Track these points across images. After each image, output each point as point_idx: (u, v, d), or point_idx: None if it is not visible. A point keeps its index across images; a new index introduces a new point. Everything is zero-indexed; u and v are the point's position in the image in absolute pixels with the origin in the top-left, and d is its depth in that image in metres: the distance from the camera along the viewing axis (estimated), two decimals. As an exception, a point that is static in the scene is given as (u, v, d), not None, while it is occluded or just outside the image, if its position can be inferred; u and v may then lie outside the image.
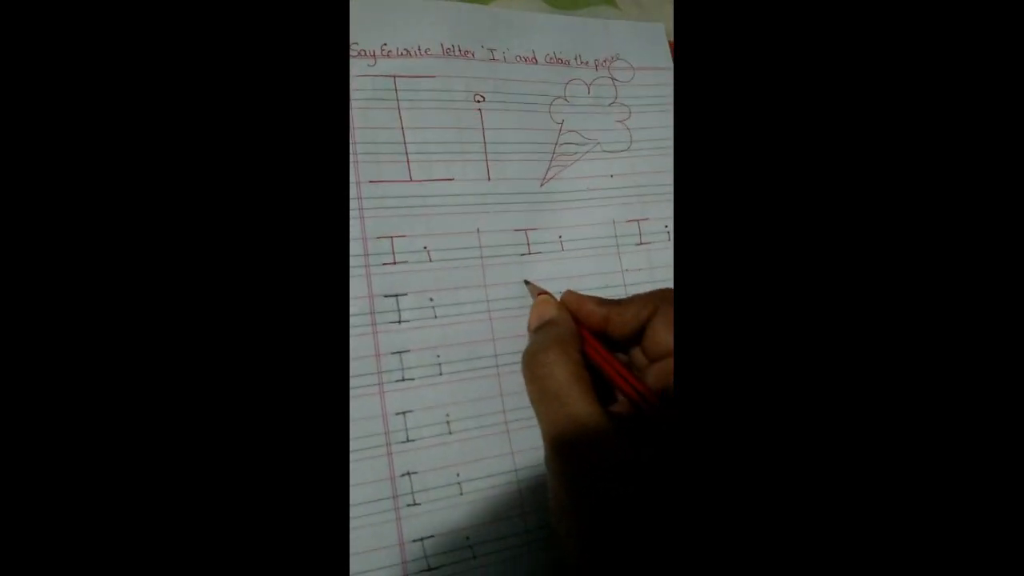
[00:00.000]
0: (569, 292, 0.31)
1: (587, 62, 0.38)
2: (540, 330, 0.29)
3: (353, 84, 0.32)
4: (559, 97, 0.37)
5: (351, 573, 0.28)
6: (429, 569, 0.29)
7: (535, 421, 0.32)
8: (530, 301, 0.33)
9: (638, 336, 0.30)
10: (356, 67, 0.33)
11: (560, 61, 0.37)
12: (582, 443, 0.24)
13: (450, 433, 0.31)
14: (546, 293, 0.31)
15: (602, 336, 0.30)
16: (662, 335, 0.29)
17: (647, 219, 0.37)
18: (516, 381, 0.32)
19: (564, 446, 0.25)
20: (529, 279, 0.34)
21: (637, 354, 0.31)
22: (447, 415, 0.31)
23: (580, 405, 0.25)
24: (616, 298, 0.30)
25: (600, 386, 0.26)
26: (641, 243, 0.37)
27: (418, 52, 0.34)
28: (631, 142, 0.38)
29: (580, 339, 0.28)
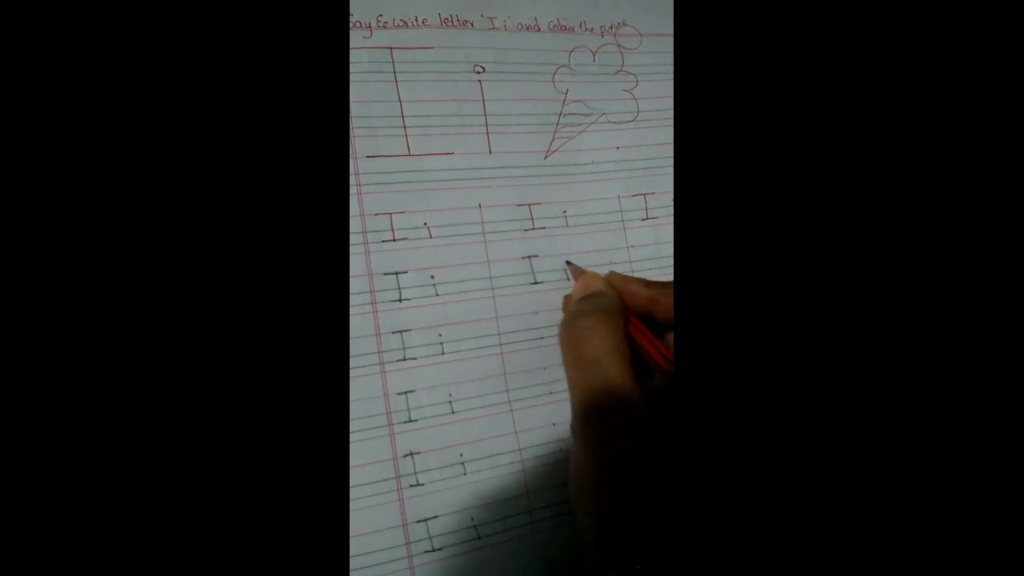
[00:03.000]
0: (613, 272, 0.30)
1: (592, 28, 0.37)
2: (584, 300, 0.29)
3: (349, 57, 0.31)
4: (563, 66, 0.36)
5: (355, 554, 0.28)
6: (433, 550, 0.29)
7: (539, 401, 0.32)
8: (531, 279, 0.33)
9: None
10: (352, 39, 0.32)
11: (564, 28, 0.36)
12: (615, 410, 0.24)
13: (453, 413, 0.30)
14: (589, 271, 0.31)
15: (645, 318, 0.29)
16: None
17: (654, 193, 0.36)
18: (520, 360, 0.32)
19: (595, 412, 0.25)
20: (534, 255, 0.33)
21: (669, 337, 0.30)
22: (450, 395, 0.30)
23: (618, 375, 0.25)
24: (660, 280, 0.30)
25: (638, 365, 0.26)
26: (648, 218, 0.36)
27: (415, 23, 0.33)
28: (638, 112, 0.37)
29: (624, 317, 0.28)
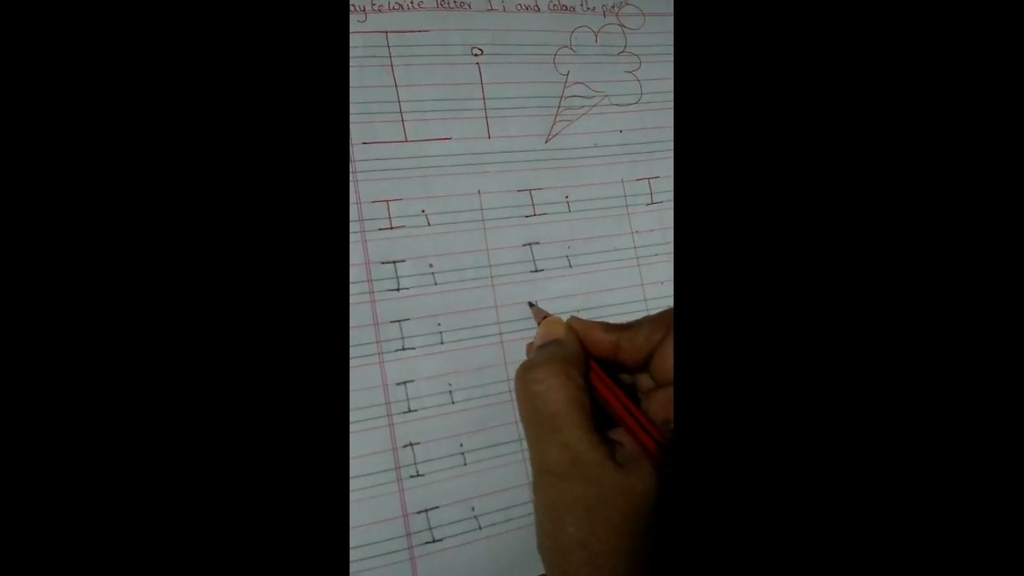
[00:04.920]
0: (574, 318, 0.28)
1: (594, 8, 0.36)
2: (543, 348, 0.27)
3: (343, 40, 0.31)
4: (564, 47, 0.35)
5: (355, 546, 0.27)
6: (434, 540, 0.28)
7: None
8: (531, 266, 0.32)
9: (647, 360, 0.27)
10: (346, 22, 0.31)
11: (565, 8, 0.35)
12: (574, 480, 0.22)
13: (452, 403, 0.30)
14: (551, 316, 0.29)
15: (611, 363, 0.27)
16: (672, 360, 0.26)
17: (658, 177, 0.35)
18: (520, 349, 0.31)
19: (554, 479, 0.23)
20: (534, 247, 0.32)
21: (642, 378, 0.28)
22: (449, 384, 0.30)
23: (576, 433, 0.23)
24: (624, 322, 0.28)
25: (599, 412, 0.25)
26: (652, 203, 0.35)
27: (411, 5, 0.32)
28: (641, 94, 0.36)
29: (586, 364, 0.26)
